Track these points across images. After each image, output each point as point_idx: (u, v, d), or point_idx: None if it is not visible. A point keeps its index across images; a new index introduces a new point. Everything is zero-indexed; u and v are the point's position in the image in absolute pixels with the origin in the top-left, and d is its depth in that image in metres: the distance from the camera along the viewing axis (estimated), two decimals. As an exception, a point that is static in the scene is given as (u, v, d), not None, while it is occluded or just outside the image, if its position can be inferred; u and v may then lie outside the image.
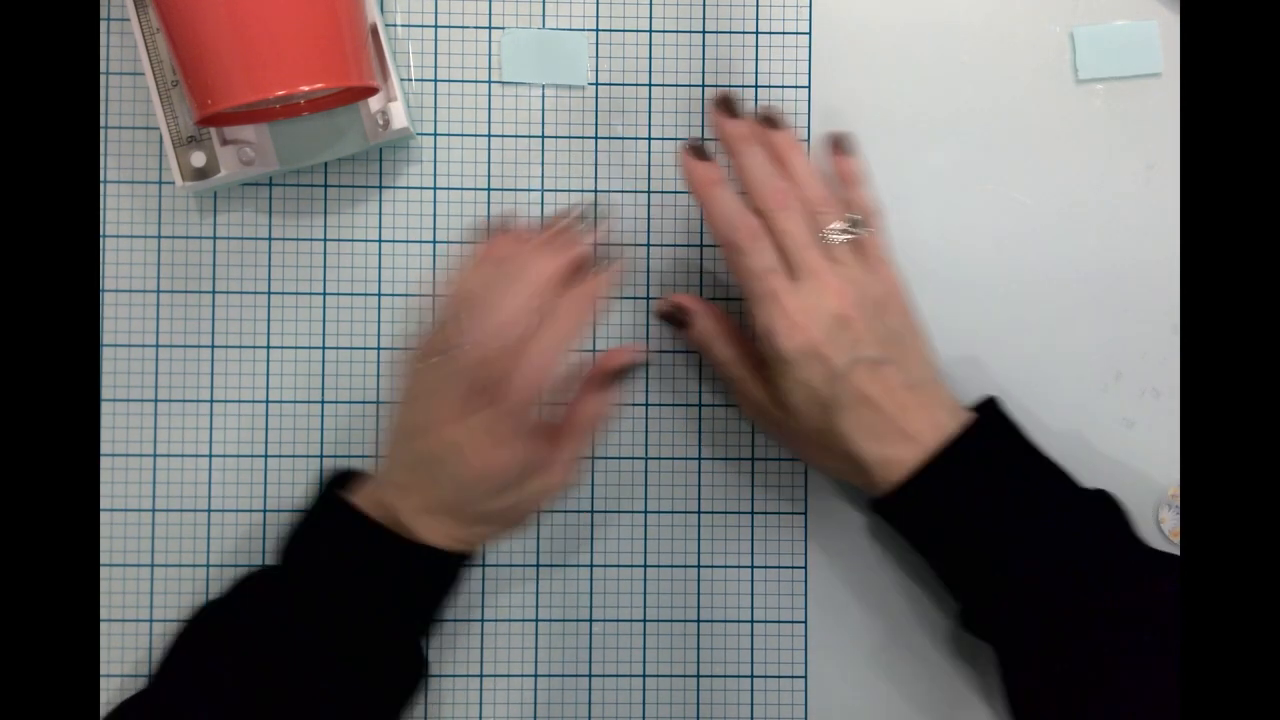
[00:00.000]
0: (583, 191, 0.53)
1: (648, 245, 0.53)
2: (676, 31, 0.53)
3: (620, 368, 0.48)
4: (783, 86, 0.53)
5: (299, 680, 0.43)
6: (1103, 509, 0.46)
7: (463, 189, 0.53)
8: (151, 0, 0.45)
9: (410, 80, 0.53)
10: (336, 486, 0.47)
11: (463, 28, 0.53)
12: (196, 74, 0.44)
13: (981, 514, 0.45)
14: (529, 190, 0.53)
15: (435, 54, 0.53)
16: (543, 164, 0.53)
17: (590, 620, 0.53)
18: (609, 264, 0.46)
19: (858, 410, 0.45)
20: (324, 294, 0.53)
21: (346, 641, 0.44)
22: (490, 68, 0.53)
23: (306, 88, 0.43)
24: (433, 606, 0.47)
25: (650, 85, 0.53)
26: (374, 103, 0.49)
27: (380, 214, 0.53)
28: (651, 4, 0.53)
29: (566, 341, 0.43)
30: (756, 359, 0.49)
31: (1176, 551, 0.52)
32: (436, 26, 0.53)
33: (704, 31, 0.53)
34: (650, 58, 0.53)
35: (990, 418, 0.48)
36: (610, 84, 0.53)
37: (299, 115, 0.49)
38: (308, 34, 0.43)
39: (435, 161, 0.53)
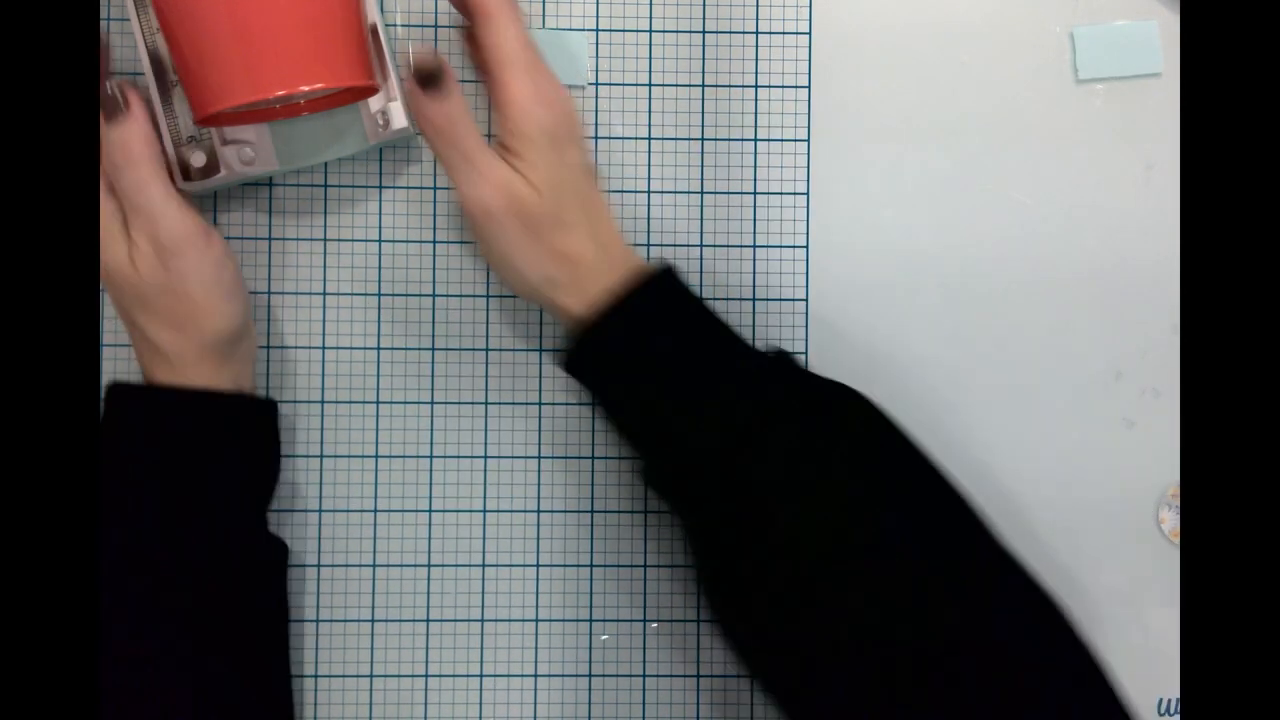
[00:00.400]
0: (583, 191, 0.53)
1: (648, 245, 0.53)
2: (676, 31, 0.53)
3: (104, 99, 0.45)
4: (783, 86, 0.53)
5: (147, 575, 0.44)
6: (776, 363, 0.46)
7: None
8: (151, 1, 0.45)
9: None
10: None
11: (463, 27, 0.53)
12: (196, 74, 0.44)
13: (656, 370, 0.45)
14: (529, 190, 0.53)
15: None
16: (543, 164, 0.53)
17: (590, 620, 0.53)
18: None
19: (589, 209, 0.46)
20: (324, 294, 0.53)
21: (175, 522, 0.45)
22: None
23: (306, 88, 0.43)
24: (236, 459, 0.47)
25: (650, 85, 0.53)
26: (374, 103, 0.49)
27: (380, 214, 0.53)
28: (651, 4, 0.53)
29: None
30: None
31: (1176, 552, 0.52)
32: (436, 26, 0.53)
33: (704, 31, 0.53)
34: (650, 58, 0.53)
35: (666, 279, 0.47)
36: (610, 84, 0.53)
37: (299, 115, 0.49)
38: (308, 33, 0.43)
39: (435, 161, 0.53)
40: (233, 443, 0.47)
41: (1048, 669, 0.41)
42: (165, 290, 0.45)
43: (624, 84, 0.53)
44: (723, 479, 0.43)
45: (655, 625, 0.53)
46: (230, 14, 0.42)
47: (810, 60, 0.54)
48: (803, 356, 0.53)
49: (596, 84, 0.53)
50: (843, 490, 0.42)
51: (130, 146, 0.44)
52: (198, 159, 0.49)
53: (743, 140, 0.53)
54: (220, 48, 0.43)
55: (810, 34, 0.54)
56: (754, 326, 0.53)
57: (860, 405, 0.45)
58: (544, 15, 0.53)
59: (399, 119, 0.50)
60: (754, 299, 0.53)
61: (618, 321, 0.45)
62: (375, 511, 0.53)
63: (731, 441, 0.43)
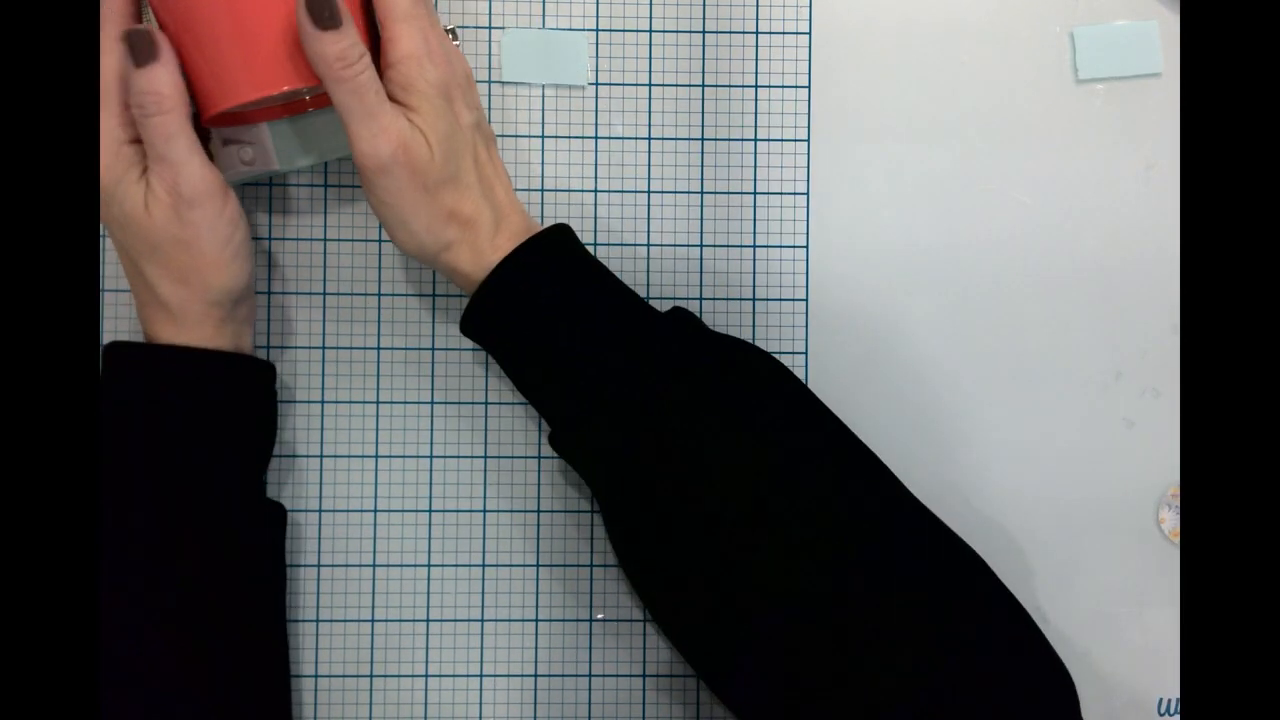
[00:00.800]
0: (583, 191, 0.53)
1: (648, 245, 0.53)
2: (676, 31, 0.53)
3: (132, 33, 0.43)
4: (783, 86, 0.53)
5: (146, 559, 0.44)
6: (675, 319, 0.46)
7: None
8: (149, 1, 0.45)
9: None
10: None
11: (463, 28, 0.53)
12: (198, 75, 0.44)
13: (552, 327, 0.45)
14: (529, 190, 0.53)
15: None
16: (543, 164, 0.53)
17: (590, 620, 0.53)
18: None
19: (481, 173, 0.46)
20: (324, 294, 0.53)
21: (172, 480, 0.45)
22: (490, 68, 0.53)
23: (309, 85, 0.43)
24: (234, 418, 0.47)
25: (650, 85, 0.53)
26: None
27: (380, 214, 0.53)
28: (651, 4, 0.53)
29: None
30: None
31: (1176, 552, 0.52)
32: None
33: (704, 31, 0.53)
34: (650, 58, 0.53)
35: (559, 236, 0.47)
36: (610, 84, 0.53)
37: (305, 112, 0.48)
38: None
39: (435, 161, 0.53)
40: (235, 402, 0.47)
41: (957, 599, 0.41)
42: (177, 242, 0.44)
43: (624, 84, 0.53)
44: (626, 432, 0.44)
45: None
46: (229, 11, 0.42)
47: (810, 60, 0.54)
48: (803, 356, 0.53)
49: (596, 84, 0.53)
50: (749, 438, 0.43)
51: (161, 93, 0.42)
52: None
53: (743, 140, 0.53)
54: (221, 47, 0.42)
55: (810, 34, 0.54)
56: (754, 326, 0.53)
57: (763, 358, 0.46)
58: (544, 15, 0.53)
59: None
60: (754, 299, 0.53)
61: (510, 279, 0.45)
62: (375, 511, 0.53)
63: (635, 394, 0.44)
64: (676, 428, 0.43)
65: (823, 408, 0.45)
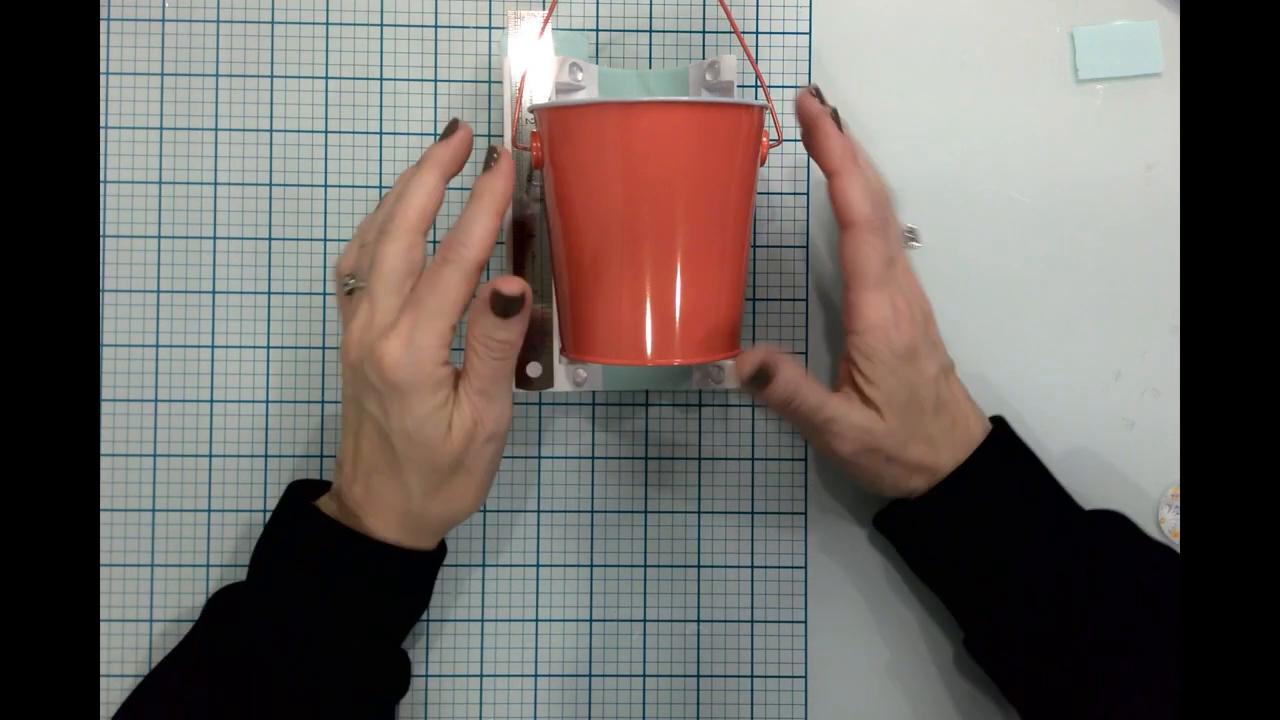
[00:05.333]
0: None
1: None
2: (677, 31, 0.53)
3: (507, 294, 0.42)
4: (783, 86, 0.53)
5: (280, 696, 0.43)
6: (1106, 524, 0.47)
7: (463, 189, 0.53)
8: (561, 236, 0.43)
9: (409, 80, 0.53)
10: (298, 492, 0.47)
11: (463, 28, 0.53)
12: (583, 325, 0.43)
13: (991, 531, 0.46)
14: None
15: (435, 54, 0.53)
16: (543, 164, 0.53)
17: (590, 620, 0.53)
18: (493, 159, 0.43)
19: (941, 415, 0.46)
20: (324, 294, 0.53)
21: (323, 653, 0.44)
22: (490, 68, 0.53)
23: (683, 361, 0.43)
24: (409, 607, 0.47)
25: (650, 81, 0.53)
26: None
27: (380, 214, 0.53)
28: (651, 4, 0.53)
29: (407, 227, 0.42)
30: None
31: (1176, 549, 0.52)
32: (436, 26, 0.53)
33: (704, 31, 0.53)
34: (650, 58, 0.53)
35: (1002, 436, 0.48)
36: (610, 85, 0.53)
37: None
38: (710, 315, 0.43)
39: (435, 161, 0.53)
40: (416, 599, 0.48)
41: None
42: (460, 467, 0.43)
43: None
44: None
45: (653, 622, 0.53)
46: (662, 287, 0.42)
47: (810, 60, 0.54)
48: (803, 357, 0.53)
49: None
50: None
51: (515, 344, 0.42)
52: (534, 369, 0.49)
53: (743, 140, 0.53)
54: (619, 313, 0.42)
55: (810, 34, 0.54)
56: (754, 326, 0.53)
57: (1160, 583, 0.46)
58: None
59: (733, 379, 0.50)
60: (754, 299, 0.53)
61: (959, 493, 0.46)
62: (375, 511, 0.53)
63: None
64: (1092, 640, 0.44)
65: None
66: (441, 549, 0.48)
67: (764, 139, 0.44)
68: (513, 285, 0.41)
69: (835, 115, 0.45)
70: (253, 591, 0.45)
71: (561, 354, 0.46)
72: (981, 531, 0.46)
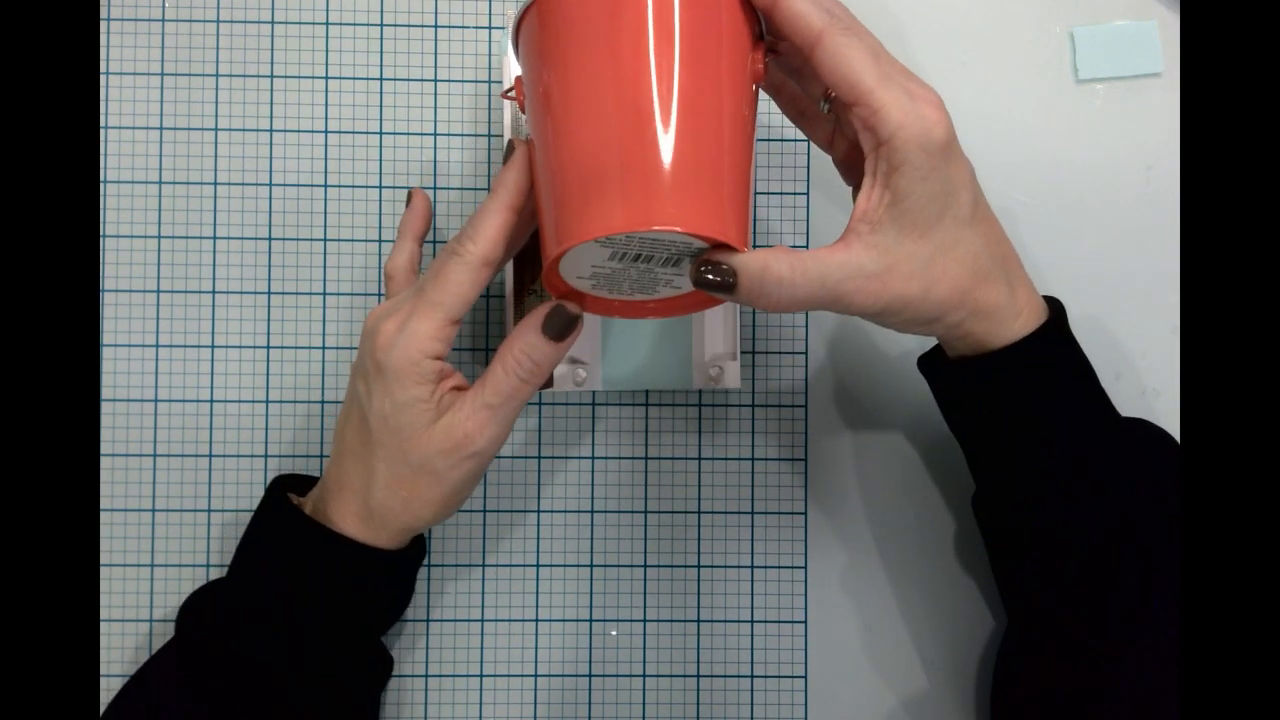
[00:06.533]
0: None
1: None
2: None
3: (571, 312, 0.41)
4: (783, 86, 0.53)
5: (250, 691, 0.43)
6: (1146, 434, 0.46)
7: (463, 189, 0.53)
8: (538, 110, 0.40)
9: (409, 80, 0.53)
10: (278, 486, 0.47)
11: (463, 28, 0.53)
12: (567, 201, 0.39)
13: (1035, 411, 0.43)
14: (529, 190, 0.53)
15: (435, 54, 0.53)
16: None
17: (590, 620, 0.53)
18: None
19: (979, 228, 0.41)
20: (324, 294, 0.53)
21: (290, 648, 0.44)
22: (490, 68, 0.53)
23: (683, 228, 0.37)
24: (378, 603, 0.47)
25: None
26: (709, 349, 0.49)
27: (380, 214, 0.53)
28: (651, 4, 0.53)
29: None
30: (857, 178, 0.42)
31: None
32: (436, 26, 0.53)
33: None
34: (650, 58, 0.53)
35: (1062, 320, 0.45)
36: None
37: (644, 316, 0.44)
38: (712, 174, 0.38)
39: (435, 161, 0.53)
40: (393, 597, 0.48)
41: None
42: (432, 473, 0.42)
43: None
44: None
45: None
46: (637, 134, 0.38)
47: (810, 60, 0.53)
48: (803, 357, 0.53)
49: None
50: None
51: (547, 370, 0.42)
52: None
53: (743, 140, 0.53)
54: (606, 170, 0.38)
55: (810, 34, 0.54)
56: (754, 326, 0.53)
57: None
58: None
59: (733, 379, 0.50)
60: (754, 299, 0.53)
61: (1018, 363, 0.43)
62: (375, 511, 0.53)
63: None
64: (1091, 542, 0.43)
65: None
66: (417, 550, 0.48)
67: (760, 51, 0.41)
68: (575, 307, 0.41)
69: None
70: (228, 588, 0.46)
71: (545, 272, 0.40)
72: (1025, 408, 0.43)
